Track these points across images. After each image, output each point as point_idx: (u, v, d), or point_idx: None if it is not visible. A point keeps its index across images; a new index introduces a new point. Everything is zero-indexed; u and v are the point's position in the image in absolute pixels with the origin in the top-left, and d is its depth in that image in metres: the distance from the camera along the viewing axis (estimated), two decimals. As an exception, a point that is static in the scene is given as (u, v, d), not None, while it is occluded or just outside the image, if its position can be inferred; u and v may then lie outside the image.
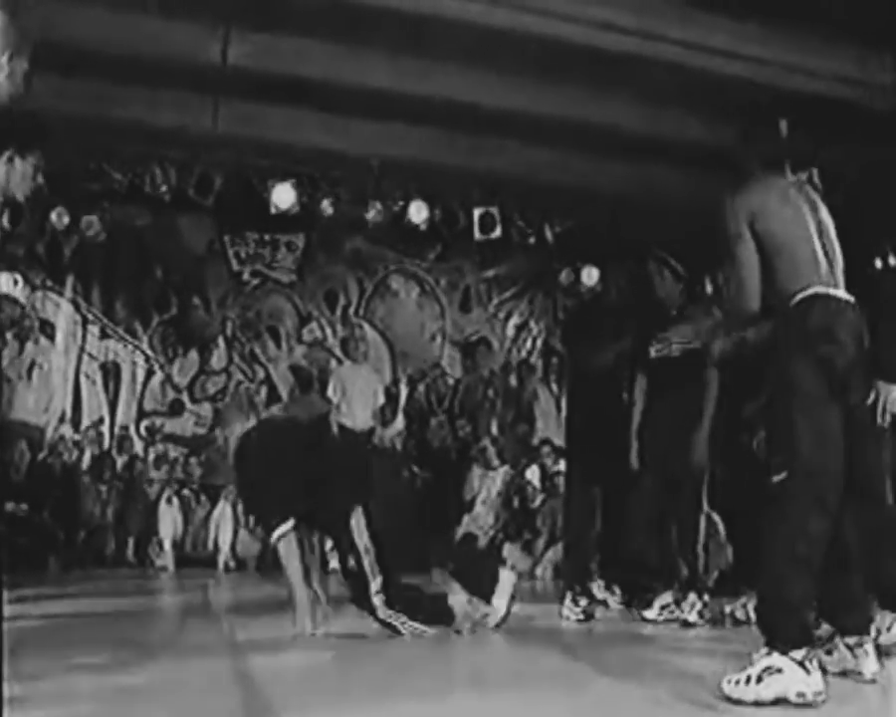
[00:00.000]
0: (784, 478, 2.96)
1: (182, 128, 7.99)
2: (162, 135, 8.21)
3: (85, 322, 9.99)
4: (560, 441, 10.13)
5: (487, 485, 9.53)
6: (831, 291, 3.09)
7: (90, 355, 10.01)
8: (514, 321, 11.50)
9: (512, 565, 8.33)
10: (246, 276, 10.47)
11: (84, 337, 9.99)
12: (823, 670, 2.91)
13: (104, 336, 10.06)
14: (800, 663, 2.80)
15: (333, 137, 8.43)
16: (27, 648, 3.61)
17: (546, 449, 9.72)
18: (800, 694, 2.77)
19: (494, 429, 10.61)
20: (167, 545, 8.63)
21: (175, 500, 8.84)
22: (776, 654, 2.83)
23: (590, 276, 10.37)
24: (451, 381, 11.12)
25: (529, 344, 11.52)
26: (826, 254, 3.16)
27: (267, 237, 10.48)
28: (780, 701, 2.78)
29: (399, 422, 10.76)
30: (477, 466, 9.64)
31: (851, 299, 3.14)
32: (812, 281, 3.08)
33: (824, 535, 2.93)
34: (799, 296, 3.05)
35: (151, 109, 7.59)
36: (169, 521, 8.69)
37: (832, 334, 3.03)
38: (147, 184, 8.76)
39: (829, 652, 3.23)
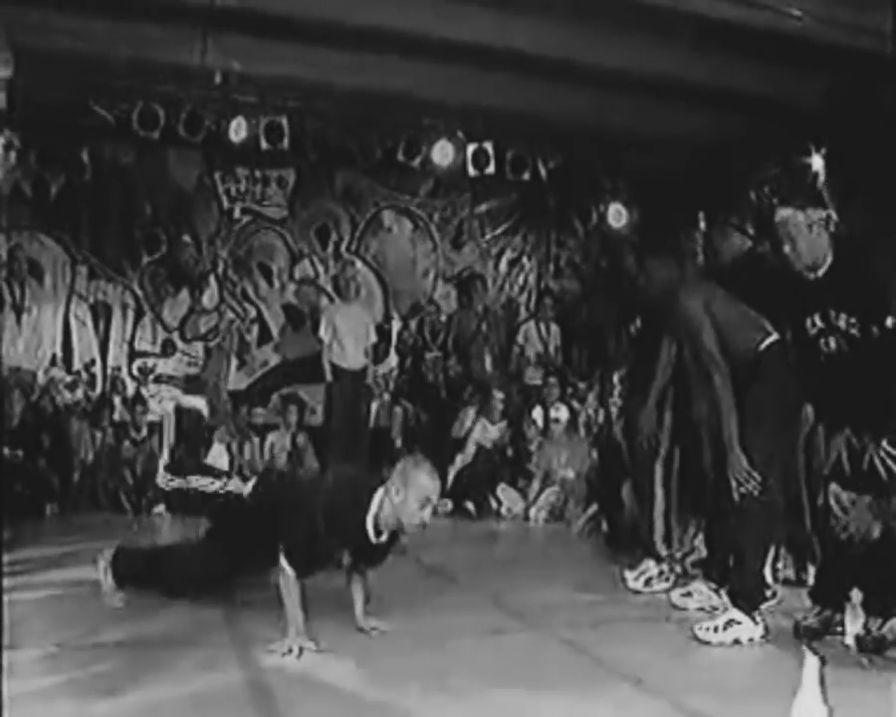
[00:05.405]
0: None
1: (170, 64, 7.84)
2: (150, 71, 8.04)
3: (73, 262, 9.84)
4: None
5: (482, 425, 9.46)
6: None
7: (79, 295, 9.88)
8: (507, 256, 11.40)
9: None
10: (237, 213, 10.31)
11: (73, 277, 9.85)
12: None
13: (93, 276, 9.91)
14: (752, 617, 4.01)
15: (321, 72, 8.28)
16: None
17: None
18: (751, 639, 3.99)
19: (488, 366, 10.58)
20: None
21: (170, 442, 8.80)
22: (736, 611, 4.02)
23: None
24: (444, 318, 11.03)
25: (521, 280, 11.44)
26: None
27: (257, 173, 10.30)
28: (736, 642, 3.96)
29: (392, 359, 10.77)
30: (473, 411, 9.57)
31: None
32: None
33: None
34: None
35: (140, 44, 7.40)
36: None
37: None
38: (135, 121, 8.56)
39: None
